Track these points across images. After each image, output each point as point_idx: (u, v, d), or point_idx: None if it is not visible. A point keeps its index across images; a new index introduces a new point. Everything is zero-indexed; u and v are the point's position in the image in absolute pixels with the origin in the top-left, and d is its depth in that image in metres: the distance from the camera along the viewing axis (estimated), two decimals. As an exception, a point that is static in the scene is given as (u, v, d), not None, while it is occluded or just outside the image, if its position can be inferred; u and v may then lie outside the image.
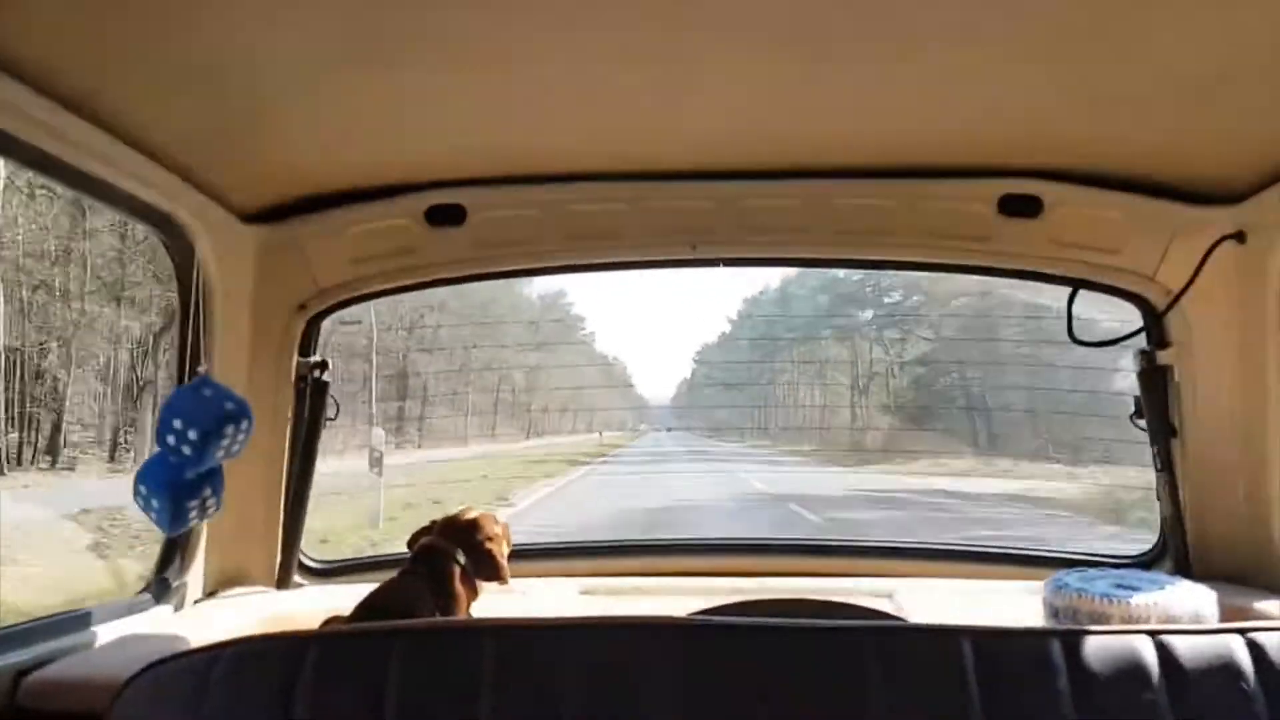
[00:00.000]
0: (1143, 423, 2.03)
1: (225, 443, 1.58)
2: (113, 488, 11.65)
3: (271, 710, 1.05)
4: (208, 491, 1.62)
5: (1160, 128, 1.61)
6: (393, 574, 1.80)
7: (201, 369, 1.70)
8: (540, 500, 15.81)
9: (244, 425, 1.60)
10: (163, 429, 1.56)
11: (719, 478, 18.52)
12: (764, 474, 19.76)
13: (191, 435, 1.54)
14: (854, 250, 2.06)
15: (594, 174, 1.87)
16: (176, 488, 1.57)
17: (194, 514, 1.61)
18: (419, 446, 23.35)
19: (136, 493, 1.59)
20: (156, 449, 1.58)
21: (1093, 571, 1.62)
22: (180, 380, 1.78)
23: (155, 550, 1.91)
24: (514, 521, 2.31)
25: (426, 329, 25.32)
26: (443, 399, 26.17)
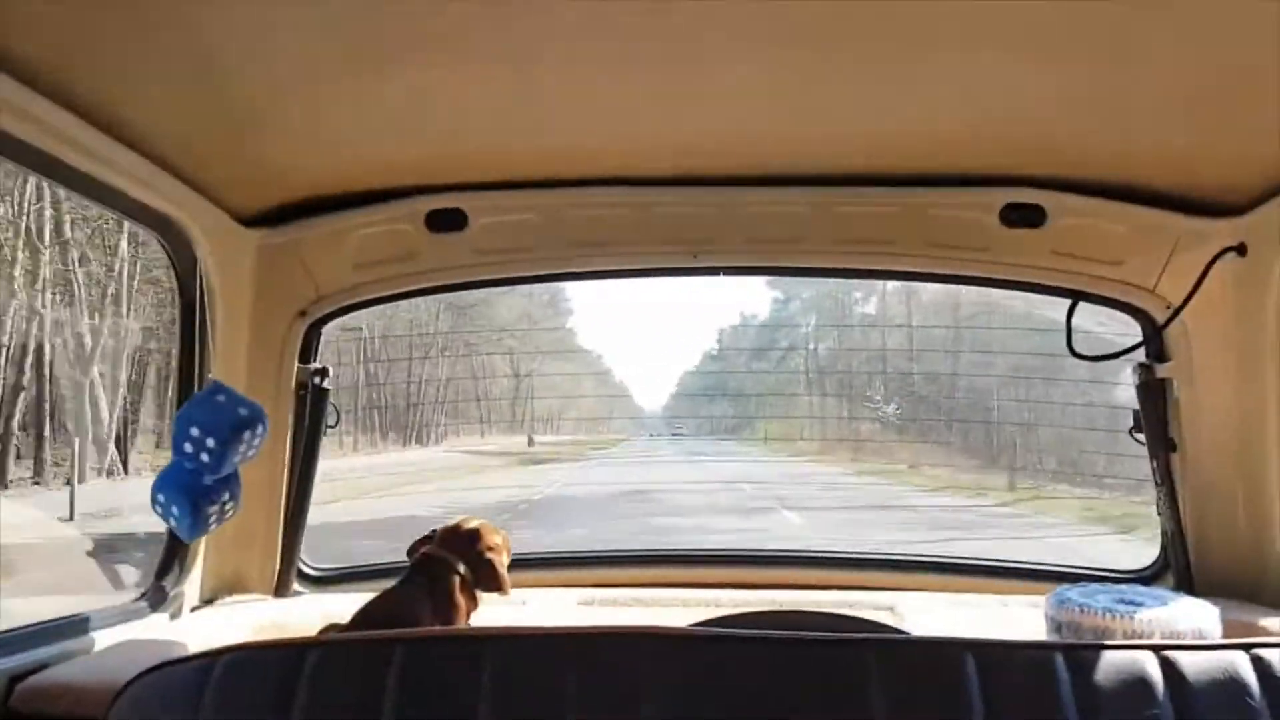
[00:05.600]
0: (1141, 436, 2.02)
1: (243, 448, 1.58)
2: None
3: (267, 718, 1.04)
4: (226, 495, 1.61)
5: (1164, 138, 1.61)
6: (392, 583, 1.79)
7: (211, 375, 1.69)
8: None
9: (259, 430, 1.60)
10: (179, 437, 1.55)
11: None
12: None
13: (210, 443, 1.54)
14: (854, 259, 2.06)
15: (595, 179, 1.87)
16: (196, 494, 1.56)
17: (214, 518, 1.61)
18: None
19: (155, 500, 1.58)
20: (173, 457, 1.57)
21: (1095, 586, 1.61)
22: (185, 386, 1.78)
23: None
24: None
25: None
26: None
